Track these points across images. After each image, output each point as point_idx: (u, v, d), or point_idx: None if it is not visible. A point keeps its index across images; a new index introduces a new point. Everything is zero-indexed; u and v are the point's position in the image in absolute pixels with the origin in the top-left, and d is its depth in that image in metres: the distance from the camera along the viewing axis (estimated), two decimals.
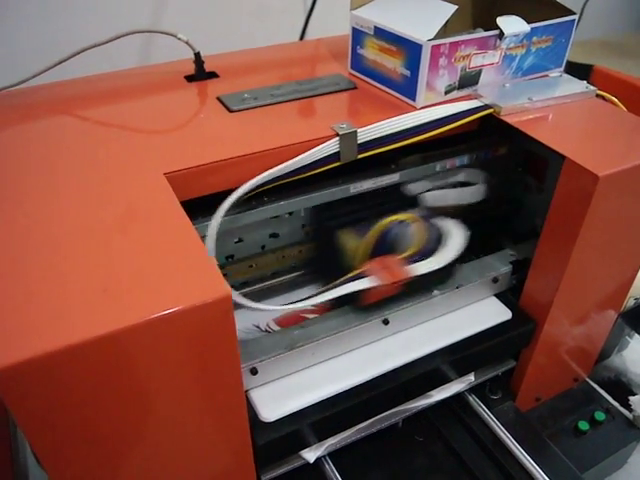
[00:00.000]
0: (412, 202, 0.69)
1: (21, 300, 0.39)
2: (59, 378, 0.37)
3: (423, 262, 0.59)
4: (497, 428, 0.70)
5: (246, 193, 0.55)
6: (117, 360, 0.39)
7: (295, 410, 0.56)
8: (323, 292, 0.57)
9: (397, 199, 0.67)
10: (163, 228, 0.46)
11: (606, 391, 0.83)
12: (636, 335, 0.86)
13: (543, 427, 0.77)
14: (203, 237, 0.55)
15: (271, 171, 0.56)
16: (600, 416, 0.79)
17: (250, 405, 0.56)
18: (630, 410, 0.80)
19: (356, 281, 0.57)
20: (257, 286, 0.68)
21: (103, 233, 0.45)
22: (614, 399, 0.82)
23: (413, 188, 0.70)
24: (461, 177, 0.73)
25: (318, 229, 0.67)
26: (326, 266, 0.68)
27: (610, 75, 1.00)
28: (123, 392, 0.40)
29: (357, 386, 0.59)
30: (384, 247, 0.61)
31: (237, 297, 0.53)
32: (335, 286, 0.57)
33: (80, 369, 0.37)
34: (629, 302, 0.77)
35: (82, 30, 0.92)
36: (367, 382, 0.60)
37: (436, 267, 0.59)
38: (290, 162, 0.57)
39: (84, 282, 0.40)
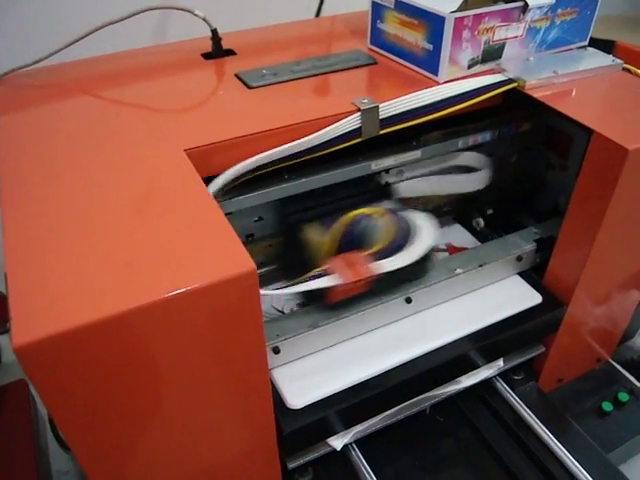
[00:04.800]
0: (385, 193, 0.66)
1: (46, 275, 0.38)
2: (83, 353, 0.36)
3: (389, 259, 0.56)
4: (521, 409, 0.69)
5: (264, 165, 0.54)
6: (140, 336, 0.38)
7: (322, 397, 0.55)
8: (287, 286, 0.55)
9: (370, 190, 0.65)
10: (186, 204, 0.45)
11: (629, 372, 0.82)
12: None
13: (566, 408, 0.76)
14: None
15: (290, 145, 0.55)
16: (624, 397, 0.77)
17: (274, 388, 0.55)
18: None
19: (317, 280, 0.54)
20: None
21: (126, 209, 0.44)
22: (637, 380, 0.81)
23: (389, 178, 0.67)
24: (461, 161, 0.70)
25: (284, 222, 0.64)
26: (293, 261, 0.64)
27: (633, 50, 0.98)
28: (147, 367, 0.40)
29: (385, 372, 0.58)
30: (351, 242, 0.58)
31: None
32: (297, 283, 0.54)
33: (101, 345, 0.37)
34: None
35: (97, 8, 0.91)
36: (395, 368, 0.58)
37: (402, 265, 0.56)
38: (311, 137, 0.56)
39: (108, 257, 0.40)
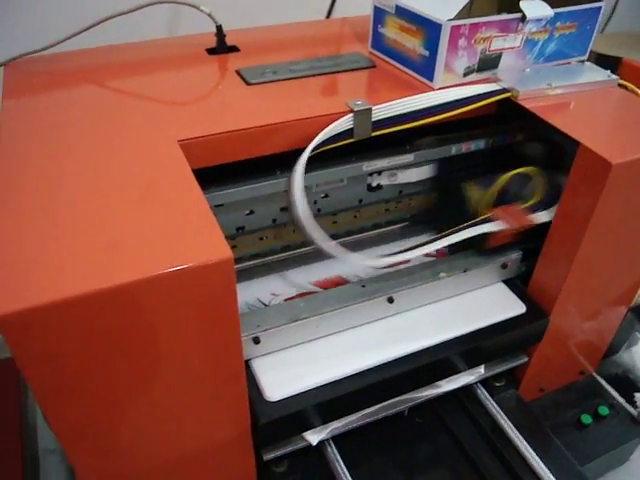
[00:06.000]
0: None
1: (30, 251, 0.40)
2: (61, 328, 0.38)
3: (544, 212, 0.62)
4: (498, 416, 0.69)
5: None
6: (117, 315, 0.40)
7: (300, 391, 0.56)
8: (449, 235, 0.61)
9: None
10: (172, 193, 0.46)
11: (612, 386, 0.82)
12: None
13: (545, 418, 0.77)
14: (214, 206, 0.56)
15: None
16: (604, 411, 0.78)
17: (253, 378, 0.57)
18: (635, 407, 0.79)
19: (485, 224, 0.62)
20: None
21: (114, 194, 0.46)
22: (620, 395, 0.81)
23: None
24: None
25: (445, 180, 0.71)
26: (447, 216, 0.71)
27: (638, 68, 0.99)
28: (123, 346, 0.41)
29: (365, 371, 0.59)
30: (507, 198, 0.65)
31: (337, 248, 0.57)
32: (461, 229, 0.61)
33: (78, 321, 0.38)
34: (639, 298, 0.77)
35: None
36: (375, 367, 0.59)
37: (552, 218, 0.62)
38: (316, 140, 0.57)
39: (92, 237, 0.41)
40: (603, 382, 0.83)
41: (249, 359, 0.58)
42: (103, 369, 0.42)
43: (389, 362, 0.60)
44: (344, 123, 0.58)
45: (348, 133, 0.59)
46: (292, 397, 0.56)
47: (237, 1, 0.99)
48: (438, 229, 0.69)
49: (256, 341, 0.56)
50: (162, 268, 0.39)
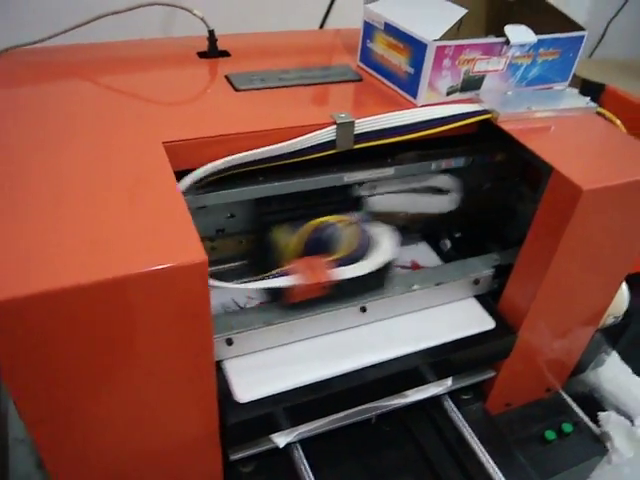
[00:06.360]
0: (357, 204, 0.69)
1: (8, 243, 0.41)
2: (34, 319, 0.39)
3: (350, 266, 0.59)
4: (463, 428, 0.71)
5: (232, 167, 0.56)
6: (90, 309, 0.41)
7: (270, 394, 0.57)
8: (247, 282, 0.57)
9: (343, 200, 0.68)
10: (153, 195, 0.47)
11: (578, 404, 0.84)
12: (612, 353, 0.87)
13: (510, 432, 0.78)
14: (196, 208, 0.57)
15: (265, 149, 0.57)
16: (568, 428, 0.80)
17: (225, 380, 0.58)
18: (598, 426, 0.81)
19: (278, 278, 0.56)
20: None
21: (95, 193, 0.47)
22: (585, 413, 0.83)
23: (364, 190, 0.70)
24: (434, 183, 0.73)
25: (257, 222, 0.66)
26: (261, 259, 0.67)
27: (620, 96, 1.01)
28: (94, 339, 0.42)
29: (334, 377, 0.60)
30: (315, 247, 0.61)
31: None
32: (257, 280, 0.57)
33: (51, 314, 0.39)
34: (607, 320, 0.78)
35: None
36: (344, 375, 0.60)
37: (359, 273, 0.59)
38: (286, 143, 0.58)
39: (69, 235, 0.42)
40: (569, 400, 0.84)
41: (222, 360, 0.59)
42: (77, 361, 0.43)
43: (359, 370, 0.61)
44: (326, 134, 0.60)
45: (331, 144, 0.61)
46: (262, 399, 0.57)
47: (231, 5, 1.01)
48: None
49: (229, 342, 0.58)
50: (138, 268, 0.40)
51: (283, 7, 1.11)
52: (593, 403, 0.86)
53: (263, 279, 0.57)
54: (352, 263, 0.59)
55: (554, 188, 0.58)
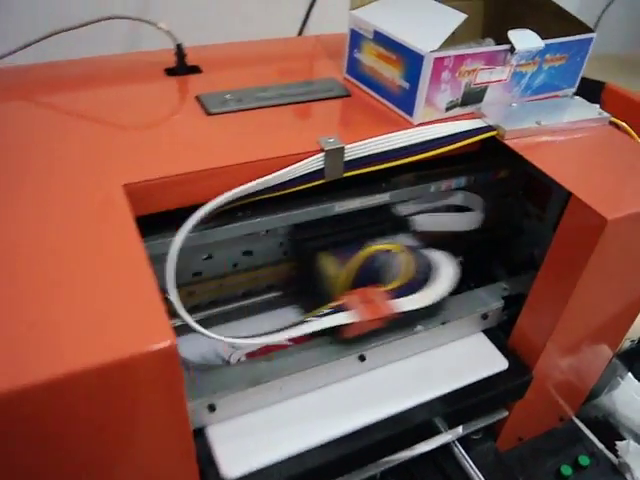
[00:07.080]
0: (401, 224, 0.63)
1: None
2: None
3: (409, 297, 0.54)
4: (474, 474, 0.65)
5: (215, 209, 0.49)
6: (41, 407, 0.33)
7: (261, 467, 0.50)
8: (296, 325, 0.52)
9: (385, 221, 0.62)
10: (110, 257, 0.40)
11: (592, 432, 0.78)
12: (627, 376, 0.81)
13: (523, 469, 0.72)
14: (164, 254, 0.49)
15: (245, 186, 0.50)
16: (584, 461, 0.74)
17: (209, 452, 0.50)
18: (616, 455, 0.76)
19: (333, 315, 0.51)
20: (228, 306, 0.62)
21: (37, 257, 0.39)
22: (600, 441, 0.78)
23: (404, 209, 0.64)
24: (458, 201, 0.67)
25: (298, 249, 0.61)
26: (305, 289, 0.63)
27: (622, 94, 0.95)
28: (58, 435, 0.35)
29: (334, 440, 0.53)
30: (367, 276, 0.55)
31: (194, 325, 0.48)
32: (309, 320, 0.51)
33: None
34: (625, 344, 0.73)
35: (65, 12, 0.85)
36: (346, 436, 0.53)
37: (421, 305, 0.53)
38: (268, 177, 0.51)
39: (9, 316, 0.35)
40: (583, 427, 0.79)
41: (204, 427, 0.51)
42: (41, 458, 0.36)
43: (360, 430, 0.54)
44: (313, 163, 0.53)
45: (319, 174, 0.53)
46: (252, 474, 0.49)
47: (201, 12, 0.92)
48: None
49: (212, 409, 0.50)
50: (85, 364, 0.32)
51: (258, 12, 1.03)
52: (609, 429, 0.80)
53: (317, 317, 0.52)
54: (411, 293, 0.54)
55: (573, 214, 0.52)
